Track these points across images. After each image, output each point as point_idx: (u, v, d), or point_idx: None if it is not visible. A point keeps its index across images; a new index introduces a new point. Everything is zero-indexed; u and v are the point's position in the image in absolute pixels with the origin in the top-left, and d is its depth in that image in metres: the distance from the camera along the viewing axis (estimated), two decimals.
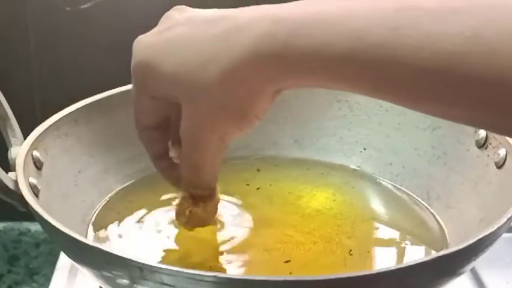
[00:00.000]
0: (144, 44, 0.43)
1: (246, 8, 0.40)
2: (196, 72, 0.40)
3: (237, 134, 0.43)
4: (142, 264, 0.39)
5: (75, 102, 0.58)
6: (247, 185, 0.60)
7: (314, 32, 0.36)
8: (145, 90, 0.43)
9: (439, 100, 0.35)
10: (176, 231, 0.53)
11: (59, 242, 0.47)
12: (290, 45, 0.37)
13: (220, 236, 0.53)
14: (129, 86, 0.61)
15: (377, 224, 0.56)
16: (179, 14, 0.42)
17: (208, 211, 0.48)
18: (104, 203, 0.57)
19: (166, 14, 0.43)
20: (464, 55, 0.33)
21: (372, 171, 0.62)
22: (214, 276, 0.39)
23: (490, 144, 0.54)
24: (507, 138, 0.53)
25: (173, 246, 0.52)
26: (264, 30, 0.37)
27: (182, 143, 0.43)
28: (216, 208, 0.49)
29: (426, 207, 0.57)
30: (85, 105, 0.58)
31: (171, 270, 0.39)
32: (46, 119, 0.55)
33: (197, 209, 0.48)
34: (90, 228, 0.54)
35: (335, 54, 0.36)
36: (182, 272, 0.39)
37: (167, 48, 0.41)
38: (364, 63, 0.35)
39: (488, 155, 0.54)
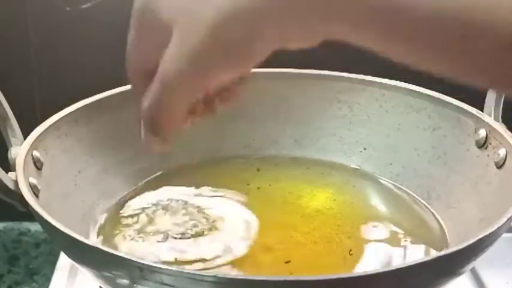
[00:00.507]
0: None
1: None
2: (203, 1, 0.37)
3: (223, 77, 0.39)
4: (142, 264, 0.39)
5: (75, 102, 0.58)
6: (247, 184, 0.60)
7: None
8: (145, 19, 0.40)
9: (453, 55, 0.34)
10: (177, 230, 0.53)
11: (59, 242, 0.47)
12: None
13: (220, 236, 0.53)
14: (129, 86, 0.61)
15: (377, 224, 0.56)
16: None
17: None
18: (103, 203, 0.57)
19: None
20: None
21: (372, 171, 0.62)
22: (214, 276, 0.39)
23: (490, 144, 0.54)
24: (507, 138, 0.53)
25: (172, 245, 0.52)
26: None
27: (157, 74, 0.39)
28: None
29: (426, 207, 0.57)
30: (85, 105, 0.58)
31: (171, 270, 0.39)
32: (46, 119, 0.55)
33: None
34: (91, 228, 0.54)
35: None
36: (182, 272, 0.39)
37: None
38: (374, 7, 0.34)
39: (488, 155, 0.54)
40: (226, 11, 0.37)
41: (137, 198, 0.58)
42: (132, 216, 0.56)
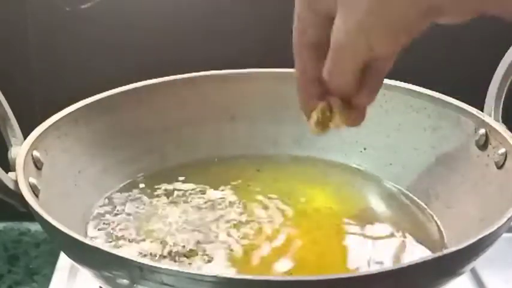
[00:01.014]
0: None
1: None
2: None
3: (385, 50, 0.42)
4: (142, 264, 0.39)
5: (75, 102, 0.58)
6: (248, 185, 0.60)
7: None
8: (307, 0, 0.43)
9: None
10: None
11: (59, 242, 0.47)
12: None
13: (220, 236, 0.53)
14: (129, 86, 0.61)
15: (377, 224, 0.56)
16: None
17: (338, 119, 0.48)
18: (103, 203, 0.57)
19: None
20: None
21: (372, 171, 0.62)
22: (214, 276, 0.39)
23: (490, 144, 0.54)
24: (507, 138, 0.53)
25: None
26: None
27: (331, 43, 0.43)
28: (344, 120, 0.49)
29: (426, 207, 0.57)
30: (85, 105, 0.58)
31: (171, 270, 0.39)
32: (46, 119, 0.55)
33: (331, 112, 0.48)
34: (90, 228, 0.54)
35: None
36: (182, 272, 0.39)
37: None
38: None
39: (488, 155, 0.54)
40: None
41: (136, 197, 0.58)
42: (131, 216, 0.56)
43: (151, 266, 0.39)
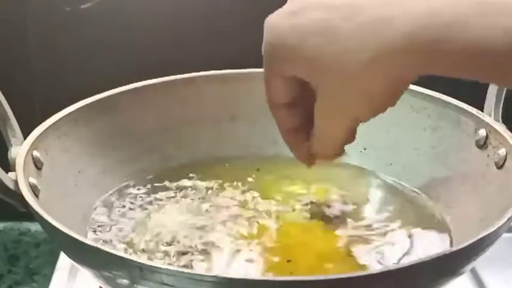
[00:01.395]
0: (277, 25, 0.42)
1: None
2: (338, 59, 0.39)
3: (368, 119, 0.44)
4: (142, 264, 0.39)
5: (75, 102, 0.58)
6: (248, 185, 0.60)
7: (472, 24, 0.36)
8: (277, 70, 0.44)
9: None
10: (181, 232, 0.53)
11: (59, 242, 0.47)
12: (447, 39, 0.36)
13: (220, 236, 0.53)
14: (129, 86, 0.61)
15: (377, 224, 0.56)
16: None
17: None
18: (103, 203, 0.57)
19: None
20: None
21: (372, 171, 0.62)
22: (214, 276, 0.39)
23: (490, 144, 0.54)
24: (507, 138, 0.53)
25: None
26: (421, 23, 0.37)
27: (315, 119, 0.44)
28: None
29: (426, 207, 0.57)
30: (85, 105, 0.58)
31: (171, 270, 0.39)
32: (46, 119, 0.55)
33: None
34: (90, 228, 0.54)
35: (498, 48, 0.36)
36: (182, 272, 0.39)
37: (302, 32, 0.40)
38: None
39: (488, 155, 0.54)
40: (365, 62, 0.39)
41: (137, 197, 0.58)
42: (130, 215, 0.56)
43: (151, 266, 0.39)
